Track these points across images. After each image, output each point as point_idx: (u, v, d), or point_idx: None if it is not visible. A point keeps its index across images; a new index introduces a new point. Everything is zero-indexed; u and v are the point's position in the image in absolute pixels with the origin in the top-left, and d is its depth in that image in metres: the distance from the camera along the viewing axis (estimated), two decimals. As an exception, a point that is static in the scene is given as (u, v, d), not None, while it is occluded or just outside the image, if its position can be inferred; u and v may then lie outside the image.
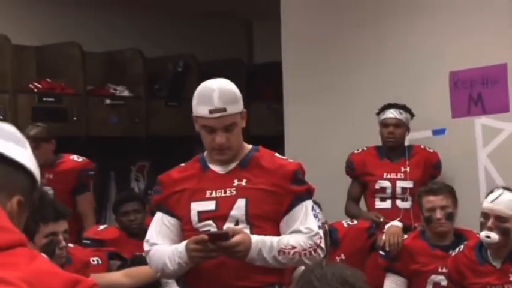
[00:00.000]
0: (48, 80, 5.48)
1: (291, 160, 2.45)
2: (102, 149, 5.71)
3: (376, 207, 3.91)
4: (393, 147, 4.02)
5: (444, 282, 3.21)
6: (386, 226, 3.54)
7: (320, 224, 2.38)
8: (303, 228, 2.31)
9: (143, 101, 5.92)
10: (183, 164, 2.50)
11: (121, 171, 6.00)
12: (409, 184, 3.94)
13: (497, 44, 4.05)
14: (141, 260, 3.38)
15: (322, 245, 2.35)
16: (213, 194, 2.37)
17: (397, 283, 3.35)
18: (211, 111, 2.30)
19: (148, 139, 5.90)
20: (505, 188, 2.91)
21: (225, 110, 2.29)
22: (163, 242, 2.43)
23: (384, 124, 4.03)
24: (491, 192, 2.96)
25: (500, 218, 2.84)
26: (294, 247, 2.29)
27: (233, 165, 2.39)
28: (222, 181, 2.38)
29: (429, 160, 4.04)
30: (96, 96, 5.68)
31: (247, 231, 2.31)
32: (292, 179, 2.34)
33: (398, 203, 3.92)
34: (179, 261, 2.33)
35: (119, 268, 3.27)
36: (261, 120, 6.45)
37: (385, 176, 3.95)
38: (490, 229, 2.86)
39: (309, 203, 2.37)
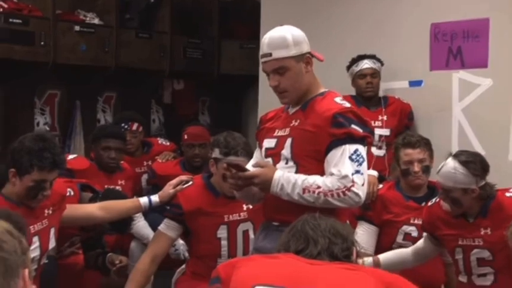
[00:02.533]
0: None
1: (347, 105, 2.44)
2: (69, 76, 5.57)
3: None
4: (371, 97, 4.07)
5: (415, 233, 3.28)
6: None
7: (360, 168, 2.36)
8: (335, 171, 2.35)
9: (113, 30, 5.75)
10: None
11: (87, 100, 5.87)
12: (386, 132, 4.01)
13: (482, -2, 4.05)
14: (113, 194, 3.35)
15: (356, 189, 2.33)
16: (277, 133, 2.51)
17: (368, 231, 3.41)
18: (261, 56, 2.47)
19: (117, 70, 5.76)
20: (453, 156, 2.88)
21: (270, 55, 2.43)
22: None
23: (360, 75, 4.07)
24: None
25: (445, 190, 2.87)
26: (319, 186, 2.34)
27: (298, 107, 2.50)
28: (286, 121, 2.51)
29: (404, 110, 4.11)
30: (65, 22, 5.48)
31: (294, 169, 2.41)
32: (332, 121, 2.37)
33: (373, 150, 3.95)
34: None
35: (91, 201, 3.23)
36: (234, 59, 6.37)
37: None
38: (443, 199, 2.92)
39: (348, 147, 2.36)
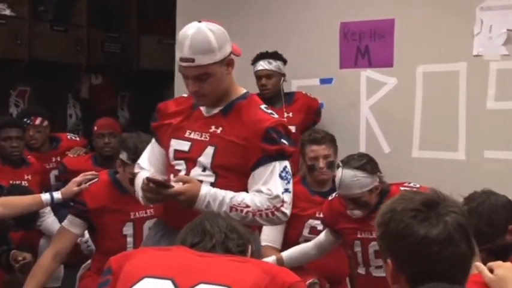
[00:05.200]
0: None
1: (275, 116, 2.34)
2: (-21, 69, 5.41)
3: None
4: (270, 97, 4.03)
5: (320, 227, 3.36)
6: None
7: (288, 187, 2.29)
8: (264, 189, 2.26)
9: (26, 22, 5.61)
10: (185, 95, 2.46)
11: (-1, 94, 5.71)
12: (291, 129, 4.01)
13: (387, -1, 4.17)
14: (19, 190, 3.30)
15: (284, 209, 2.27)
16: (191, 135, 2.35)
17: (275, 226, 3.45)
18: (181, 59, 2.26)
19: (31, 63, 5.63)
20: (344, 164, 2.92)
21: (193, 60, 2.24)
22: (148, 168, 2.46)
23: (256, 76, 4.07)
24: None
25: (353, 199, 2.94)
26: (247, 206, 2.25)
27: (216, 110, 2.35)
28: (202, 124, 2.36)
29: (311, 106, 4.14)
30: (-26, 12, 5.33)
31: (212, 179, 2.29)
32: (264, 136, 2.26)
33: None
34: (141, 195, 2.36)
35: (-5, 196, 3.16)
36: (152, 54, 6.34)
37: None
38: (351, 208, 2.98)
39: (278, 164, 2.27)
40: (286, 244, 3.38)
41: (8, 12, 5.54)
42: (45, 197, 3.04)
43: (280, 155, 2.29)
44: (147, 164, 2.48)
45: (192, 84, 2.28)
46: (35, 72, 5.73)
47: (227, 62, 2.31)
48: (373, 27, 4.17)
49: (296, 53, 4.33)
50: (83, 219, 3.07)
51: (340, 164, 2.95)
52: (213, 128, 2.33)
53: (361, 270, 3.15)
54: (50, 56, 5.74)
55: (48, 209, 3.73)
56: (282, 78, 4.09)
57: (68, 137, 4.62)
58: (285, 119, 3.96)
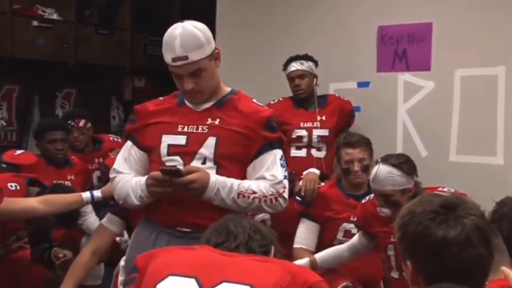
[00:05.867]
0: (-29, -6, 5.27)
1: (266, 108, 2.43)
2: (27, 71, 5.58)
3: (292, 155, 3.97)
4: (304, 98, 4.07)
5: (354, 230, 3.35)
6: (304, 173, 3.66)
7: (286, 174, 2.36)
8: (268, 175, 2.31)
9: (72, 26, 5.77)
10: (161, 98, 2.49)
11: (46, 96, 5.88)
12: (324, 132, 4.01)
13: (425, 2, 4.12)
14: (61, 188, 3.39)
15: (285, 195, 2.35)
16: (185, 129, 2.36)
17: (310, 228, 3.48)
18: (173, 60, 2.29)
19: (76, 66, 5.78)
20: (382, 161, 2.94)
21: (186, 58, 2.27)
22: (129, 172, 2.45)
23: (289, 78, 4.09)
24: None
25: (384, 195, 2.94)
26: (254, 192, 2.29)
27: (209, 104, 2.39)
28: (195, 118, 2.37)
29: (344, 108, 4.12)
30: (23, 17, 5.50)
31: (213, 171, 2.31)
32: (266, 125, 2.34)
33: (313, 152, 4.01)
34: (141, 194, 2.36)
35: (38, 194, 3.24)
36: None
37: (301, 125, 4.02)
38: (381, 205, 2.98)
39: (278, 152, 2.36)
40: (321, 247, 3.39)
41: (55, 16, 5.72)
42: (86, 195, 3.11)
43: (279, 143, 2.38)
44: (126, 168, 2.45)
45: (188, 82, 2.31)
46: (80, 74, 5.89)
47: (215, 56, 2.35)
48: (411, 30, 4.16)
49: (334, 57, 4.35)
50: (121, 218, 3.14)
51: (379, 160, 2.97)
52: (209, 120, 2.36)
53: (395, 274, 3.15)
54: (95, 59, 5.89)
55: (90, 208, 3.83)
56: (315, 80, 4.09)
57: (111, 138, 4.66)
58: (318, 123, 4.01)
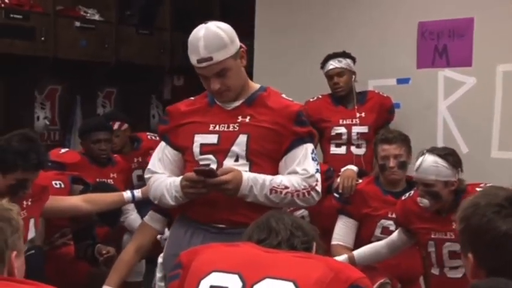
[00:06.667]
0: (17, -5, 5.38)
1: (296, 102, 2.43)
2: (70, 72, 5.69)
3: (331, 152, 3.98)
4: (343, 95, 4.06)
5: (392, 227, 3.34)
6: (342, 169, 3.65)
7: (318, 167, 2.38)
8: (300, 170, 2.34)
9: (114, 26, 5.86)
10: (192, 98, 2.52)
11: (88, 95, 5.99)
12: (364, 129, 3.99)
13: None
14: (104, 187, 3.46)
15: (318, 188, 2.36)
16: (216, 128, 2.38)
17: (348, 225, 3.47)
18: (198, 61, 2.30)
19: (117, 66, 5.87)
20: (428, 151, 2.94)
21: (211, 59, 2.28)
22: (163, 172, 2.48)
23: (328, 76, 4.07)
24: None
25: (426, 185, 2.92)
26: (286, 187, 2.32)
27: (238, 102, 2.41)
28: (226, 116, 2.39)
29: (383, 105, 4.10)
30: (66, 18, 5.60)
31: (246, 168, 2.34)
32: (296, 119, 2.36)
33: (353, 149, 3.99)
34: (176, 194, 2.39)
35: (81, 193, 3.32)
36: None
37: (341, 122, 4.01)
38: (422, 195, 2.96)
39: (309, 146, 2.38)
40: (358, 244, 3.38)
41: (97, 17, 5.82)
42: (127, 195, 3.17)
43: (310, 137, 2.39)
44: (161, 168, 2.49)
45: (214, 82, 2.32)
46: (121, 74, 5.97)
47: (240, 55, 2.36)
48: (451, 26, 4.12)
49: (373, 53, 4.33)
50: (163, 215, 3.17)
51: (425, 151, 2.96)
52: (240, 118, 2.38)
53: (435, 271, 3.12)
54: (135, 59, 5.97)
55: (132, 206, 3.89)
56: (353, 77, 4.08)
57: (149, 136, 4.64)
58: (357, 120, 3.99)
